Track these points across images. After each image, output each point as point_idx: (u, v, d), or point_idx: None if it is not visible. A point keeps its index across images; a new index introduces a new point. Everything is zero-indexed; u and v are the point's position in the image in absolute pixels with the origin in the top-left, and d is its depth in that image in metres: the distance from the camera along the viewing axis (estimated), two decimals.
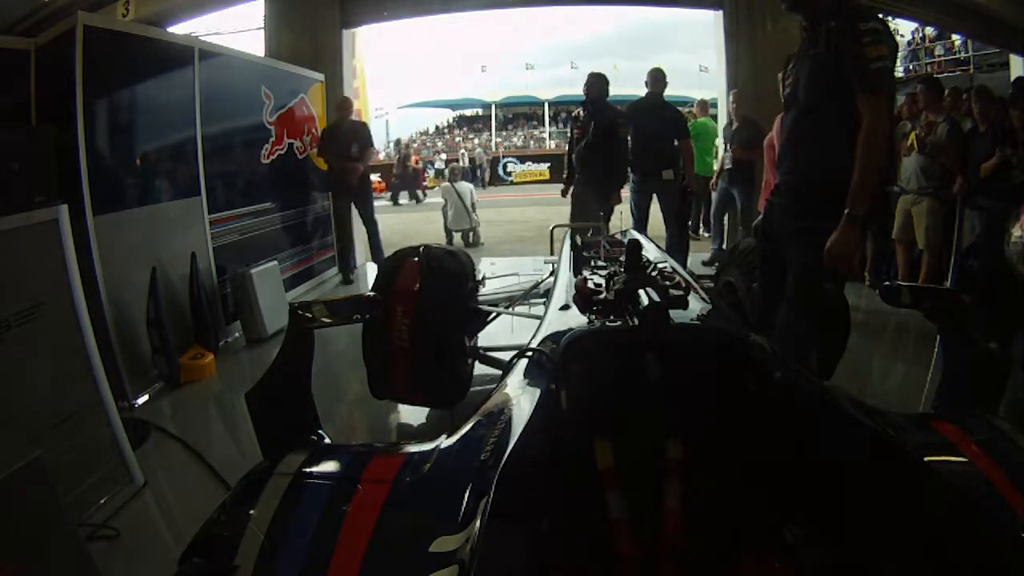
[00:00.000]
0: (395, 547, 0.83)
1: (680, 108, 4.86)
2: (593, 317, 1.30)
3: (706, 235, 6.43)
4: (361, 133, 5.18)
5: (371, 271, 5.50)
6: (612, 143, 4.21)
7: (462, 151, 19.67)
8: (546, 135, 23.01)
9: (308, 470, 0.99)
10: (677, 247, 4.26)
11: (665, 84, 4.40)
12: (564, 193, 4.58)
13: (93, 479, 1.92)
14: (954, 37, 12.36)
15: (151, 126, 3.28)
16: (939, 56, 13.37)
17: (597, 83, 4.29)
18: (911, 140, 3.83)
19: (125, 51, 3.06)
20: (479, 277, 2.66)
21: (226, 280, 3.79)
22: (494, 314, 2.69)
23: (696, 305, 1.36)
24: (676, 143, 4.42)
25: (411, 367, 2.19)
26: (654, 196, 4.41)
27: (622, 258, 1.84)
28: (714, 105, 6.54)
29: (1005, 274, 2.58)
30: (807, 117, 1.84)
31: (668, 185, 4.32)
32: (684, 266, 2.54)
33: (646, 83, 4.45)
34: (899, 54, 13.11)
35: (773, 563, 0.77)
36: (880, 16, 1.78)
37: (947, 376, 1.38)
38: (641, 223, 4.25)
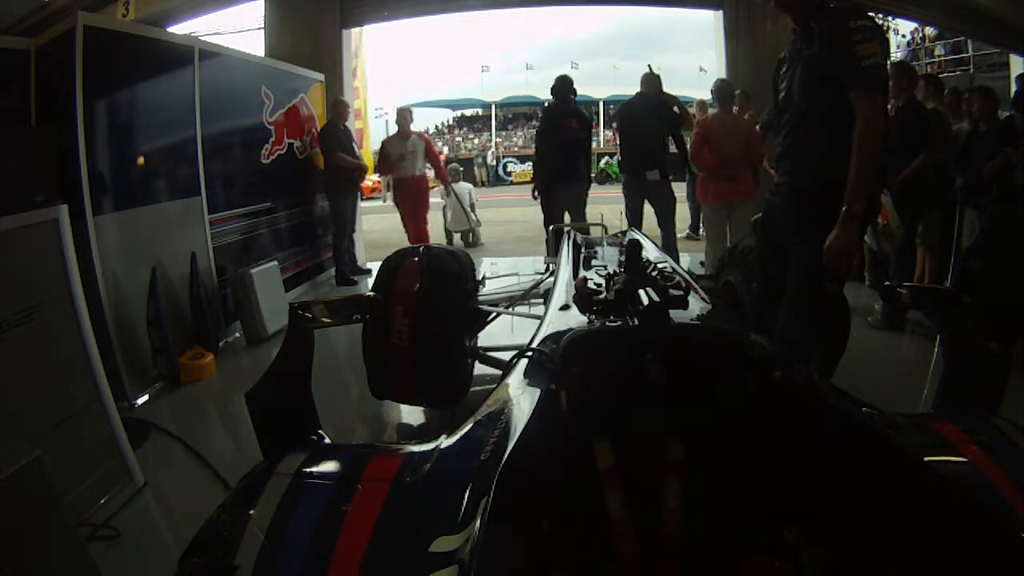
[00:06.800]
0: (395, 547, 0.83)
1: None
2: (593, 317, 1.30)
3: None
4: (352, 136, 5.24)
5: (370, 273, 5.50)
6: (577, 139, 4.46)
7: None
8: None
9: (308, 470, 0.99)
10: (670, 248, 4.27)
11: (655, 86, 4.39)
12: (534, 194, 4.67)
13: (93, 479, 1.92)
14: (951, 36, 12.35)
15: (151, 126, 3.28)
16: (939, 56, 13.38)
17: (563, 83, 4.54)
18: None
19: (125, 51, 3.06)
20: (479, 277, 2.66)
21: (226, 280, 3.79)
22: (494, 314, 2.69)
23: (696, 305, 1.36)
24: (669, 143, 4.46)
25: (411, 367, 2.19)
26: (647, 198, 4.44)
27: (622, 258, 1.84)
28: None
29: (1005, 274, 2.58)
30: (803, 118, 1.84)
31: (656, 187, 4.35)
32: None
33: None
34: (898, 54, 13.11)
35: (773, 563, 0.77)
36: (871, 15, 1.78)
37: (947, 376, 1.38)
38: (635, 223, 4.26)
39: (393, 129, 5.55)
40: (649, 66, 4.47)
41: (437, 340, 2.20)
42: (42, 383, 1.82)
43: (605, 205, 4.77)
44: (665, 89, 4.44)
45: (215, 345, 3.43)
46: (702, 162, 4.19)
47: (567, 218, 4.52)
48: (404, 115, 5.50)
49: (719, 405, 0.93)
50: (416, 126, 5.51)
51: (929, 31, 13.31)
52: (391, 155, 5.30)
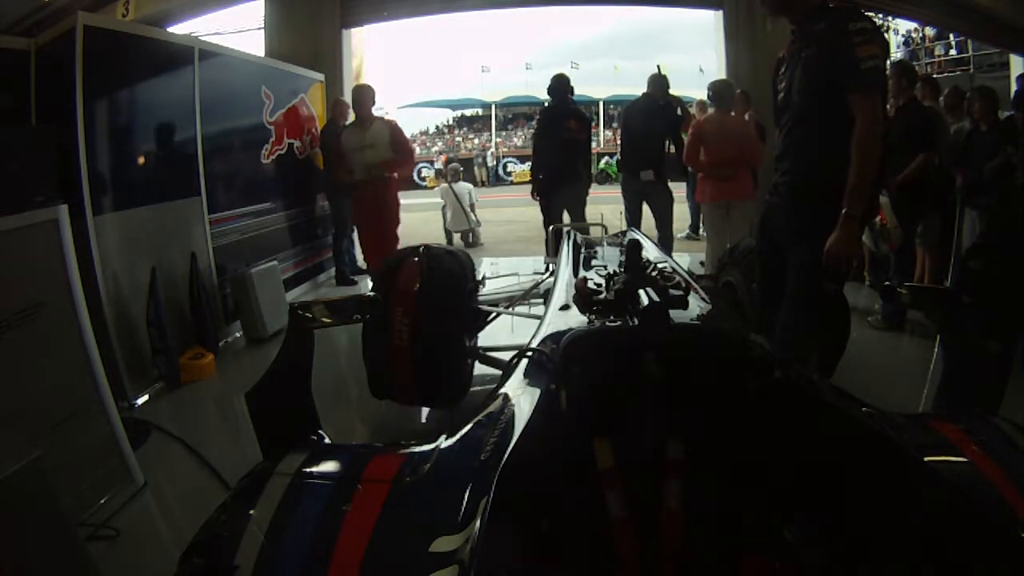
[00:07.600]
0: (395, 547, 0.83)
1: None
2: (593, 317, 1.30)
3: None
4: None
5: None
6: (575, 139, 4.44)
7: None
8: None
9: (308, 470, 0.99)
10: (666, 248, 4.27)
11: (661, 86, 4.38)
12: (534, 194, 4.64)
13: (93, 479, 1.92)
14: (953, 36, 12.35)
15: (151, 126, 3.28)
16: (939, 56, 13.37)
17: (559, 82, 4.51)
18: None
19: (125, 51, 3.06)
20: (479, 277, 2.66)
21: (226, 280, 3.79)
22: (494, 314, 2.69)
23: (696, 305, 1.36)
24: (667, 144, 4.46)
25: (411, 367, 2.18)
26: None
27: (622, 258, 1.84)
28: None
29: (1005, 274, 2.58)
30: (802, 119, 1.85)
31: (653, 187, 4.35)
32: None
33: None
34: (898, 54, 13.11)
35: (773, 563, 0.77)
36: (869, 15, 1.78)
37: (947, 376, 1.38)
38: (634, 223, 4.26)
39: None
40: (658, 66, 4.45)
41: (437, 340, 2.20)
42: (42, 383, 1.82)
43: (605, 205, 4.76)
44: (671, 90, 4.45)
45: (215, 345, 3.43)
46: (696, 163, 4.19)
47: (567, 218, 4.52)
48: (360, 95, 4.03)
49: (719, 405, 0.92)
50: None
51: (929, 31, 13.30)
52: (345, 152, 4.03)
